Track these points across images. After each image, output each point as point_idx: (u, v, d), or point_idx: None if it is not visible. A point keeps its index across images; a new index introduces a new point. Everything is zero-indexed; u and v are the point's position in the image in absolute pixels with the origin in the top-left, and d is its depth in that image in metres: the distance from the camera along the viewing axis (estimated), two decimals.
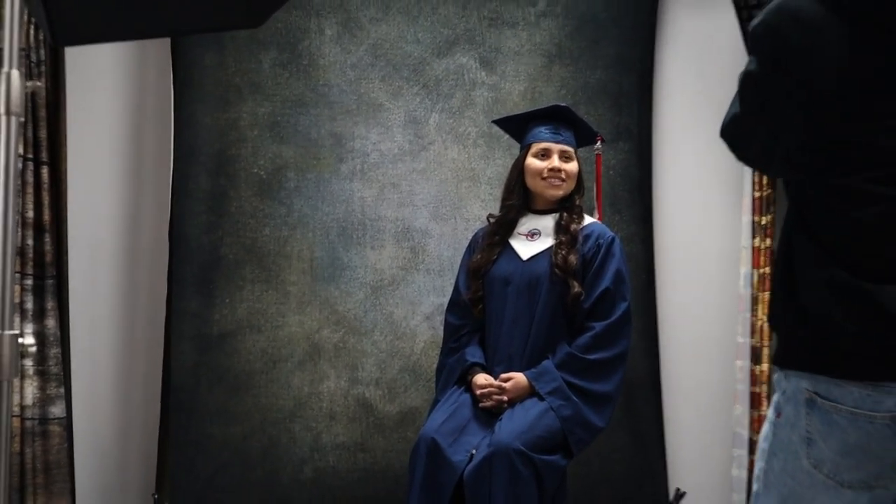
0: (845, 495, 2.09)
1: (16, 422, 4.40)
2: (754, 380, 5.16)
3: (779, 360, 2.18)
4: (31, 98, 4.43)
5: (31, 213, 4.44)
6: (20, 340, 2.33)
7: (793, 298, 2.12)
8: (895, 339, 1.99)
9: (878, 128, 2.00)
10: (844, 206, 2.05)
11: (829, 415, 2.07)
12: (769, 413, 2.22)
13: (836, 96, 2.02)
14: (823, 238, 2.08)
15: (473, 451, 3.49)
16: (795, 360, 2.14)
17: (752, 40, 2.12)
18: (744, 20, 4.88)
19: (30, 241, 4.44)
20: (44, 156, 4.48)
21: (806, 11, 2.03)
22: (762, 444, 2.24)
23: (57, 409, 4.49)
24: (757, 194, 5.16)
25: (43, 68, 4.46)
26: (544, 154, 3.78)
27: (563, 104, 3.94)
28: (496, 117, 4.22)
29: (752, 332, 5.17)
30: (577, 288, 3.67)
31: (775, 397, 2.19)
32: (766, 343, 5.13)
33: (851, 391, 2.04)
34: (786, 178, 2.19)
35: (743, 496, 5.19)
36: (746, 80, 2.16)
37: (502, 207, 3.89)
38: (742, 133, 2.23)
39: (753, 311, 5.18)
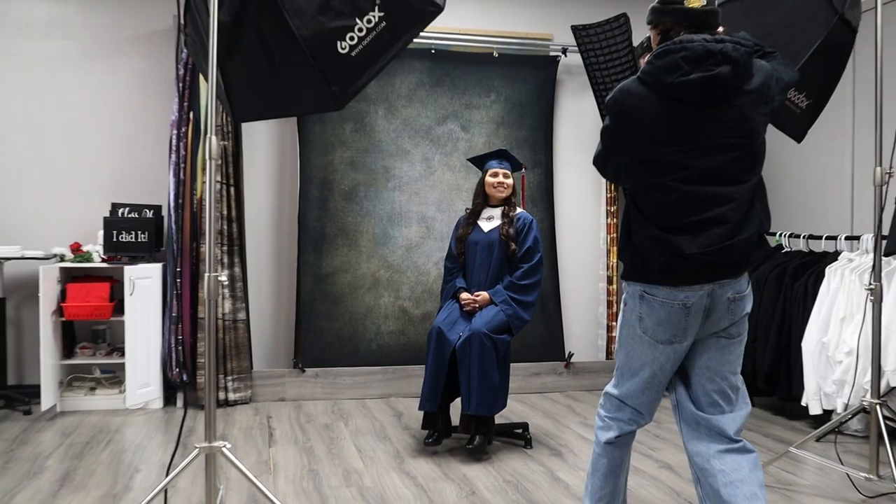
0: (659, 348, 2.12)
1: (219, 323, 4.42)
2: (609, 293, 5.18)
3: (625, 276, 2.18)
4: (224, 151, 4.41)
5: (225, 211, 4.44)
6: (219, 279, 2.34)
7: (630, 243, 2.12)
8: (681, 263, 2.01)
9: (674, 151, 2.00)
10: (658, 194, 2.04)
11: (650, 303, 2.09)
12: (622, 305, 2.22)
13: (651, 134, 2.02)
14: (645, 211, 2.08)
15: (461, 334, 3.49)
16: (633, 275, 2.14)
17: (606, 107, 2.10)
18: (599, 102, 4.86)
19: (225, 227, 4.44)
20: (231, 181, 4.48)
21: (635, 90, 2.02)
22: (618, 322, 2.25)
23: (241, 315, 4.50)
24: (609, 195, 5.15)
25: (230, 135, 4.44)
26: (494, 174, 3.76)
27: (505, 149, 3.91)
28: (469, 157, 4.19)
29: (607, 268, 5.18)
30: (513, 246, 3.66)
31: (624, 296, 2.19)
32: (614, 274, 5.14)
33: (661, 290, 2.06)
34: (626, 184, 2.18)
35: (603, 354, 5.22)
36: (604, 130, 2.14)
37: (473, 204, 3.85)
38: (603, 161, 2.21)
39: (607, 256, 5.19)
